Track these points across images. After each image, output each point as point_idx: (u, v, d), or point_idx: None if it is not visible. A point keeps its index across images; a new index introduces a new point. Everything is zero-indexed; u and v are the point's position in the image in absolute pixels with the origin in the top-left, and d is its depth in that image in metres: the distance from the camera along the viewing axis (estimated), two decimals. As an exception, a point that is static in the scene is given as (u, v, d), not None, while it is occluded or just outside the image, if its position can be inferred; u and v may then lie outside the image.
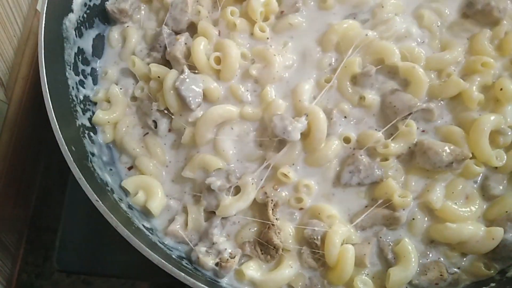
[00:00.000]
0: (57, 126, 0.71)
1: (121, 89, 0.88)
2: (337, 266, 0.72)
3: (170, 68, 0.83)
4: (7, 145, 0.97)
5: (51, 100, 0.73)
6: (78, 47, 0.87)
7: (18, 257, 1.08)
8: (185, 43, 0.84)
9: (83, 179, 0.69)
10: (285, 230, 0.75)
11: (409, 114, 0.76)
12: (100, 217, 0.67)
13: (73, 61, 0.86)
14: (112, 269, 0.84)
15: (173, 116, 0.82)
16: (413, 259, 0.72)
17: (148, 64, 0.84)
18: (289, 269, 0.74)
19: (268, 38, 0.84)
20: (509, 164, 0.75)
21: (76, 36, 0.86)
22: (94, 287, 1.07)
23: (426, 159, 0.74)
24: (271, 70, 0.80)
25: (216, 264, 0.74)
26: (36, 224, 1.10)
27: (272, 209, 0.75)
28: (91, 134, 0.84)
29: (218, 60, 0.81)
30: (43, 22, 0.77)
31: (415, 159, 0.75)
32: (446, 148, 0.73)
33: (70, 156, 0.70)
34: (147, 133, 0.85)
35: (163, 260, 0.65)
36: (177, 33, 0.86)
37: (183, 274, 0.64)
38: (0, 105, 0.94)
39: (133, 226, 0.74)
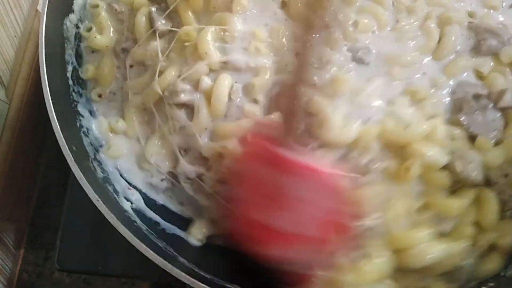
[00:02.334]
0: (58, 126, 0.72)
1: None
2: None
3: None
4: (7, 145, 0.97)
5: (51, 100, 0.73)
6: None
7: (19, 257, 1.08)
8: None
9: (84, 179, 0.69)
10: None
11: None
12: (101, 216, 0.68)
13: (74, 61, 0.86)
14: (113, 268, 0.85)
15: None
16: None
17: None
18: None
19: None
20: None
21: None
22: (95, 287, 1.07)
23: None
24: None
25: None
26: (37, 223, 1.11)
27: None
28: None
29: None
30: (44, 22, 0.77)
31: None
32: None
33: (70, 156, 0.70)
34: None
35: (164, 260, 0.65)
36: None
37: (184, 274, 0.65)
38: (0, 105, 0.94)
39: (134, 225, 0.75)
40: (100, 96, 0.86)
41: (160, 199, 0.83)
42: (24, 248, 1.09)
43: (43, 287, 1.08)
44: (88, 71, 0.86)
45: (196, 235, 0.79)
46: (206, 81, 0.78)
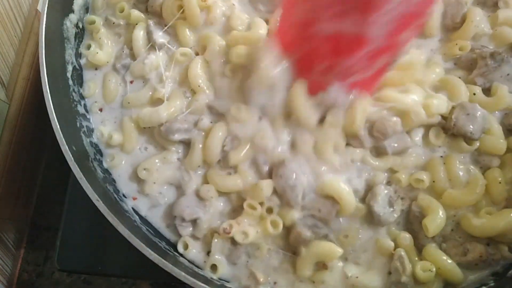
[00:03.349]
0: (58, 126, 0.72)
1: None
2: None
3: None
4: (8, 145, 0.97)
5: (52, 100, 0.73)
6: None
7: (19, 257, 1.08)
8: None
9: (84, 179, 0.69)
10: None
11: None
12: (101, 216, 0.68)
13: (74, 61, 0.86)
14: (112, 268, 0.85)
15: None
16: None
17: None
18: None
19: None
20: None
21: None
22: (95, 287, 1.07)
23: None
24: None
25: None
26: (37, 223, 1.11)
27: None
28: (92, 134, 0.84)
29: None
30: (44, 22, 0.77)
31: None
32: None
33: (70, 155, 0.70)
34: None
35: (163, 260, 0.65)
36: None
37: (183, 273, 0.65)
38: (1, 105, 0.94)
39: (133, 225, 0.75)
40: (100, 110, 0.86)
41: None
42: (24, 248, 1.09)
43: (43, 287, 1.08)
44: (90, 88, 0.87)
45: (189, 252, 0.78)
46: (205, 122, 0.79)
